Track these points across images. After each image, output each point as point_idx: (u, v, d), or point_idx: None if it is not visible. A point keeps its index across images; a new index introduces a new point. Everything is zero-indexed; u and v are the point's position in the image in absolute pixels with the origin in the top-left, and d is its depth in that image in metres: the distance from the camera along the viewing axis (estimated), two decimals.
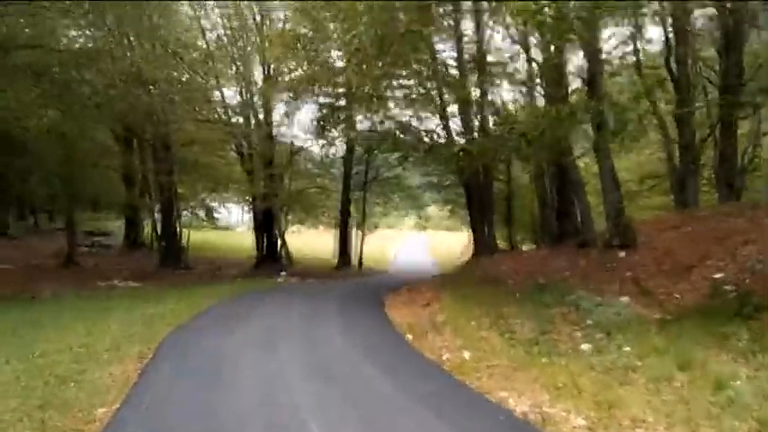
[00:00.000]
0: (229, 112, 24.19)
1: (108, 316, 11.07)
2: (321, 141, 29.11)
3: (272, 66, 24.59)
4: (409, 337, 8.93)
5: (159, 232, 26.63)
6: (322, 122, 22.50)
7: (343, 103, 22.79)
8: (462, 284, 14.26)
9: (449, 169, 24.96)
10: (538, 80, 18.31)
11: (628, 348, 6.95)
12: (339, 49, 18.54)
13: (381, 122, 21.53)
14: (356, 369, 6.99)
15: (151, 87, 17.44)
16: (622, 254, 13.48)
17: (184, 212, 28.08)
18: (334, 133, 23.96)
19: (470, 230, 23.73)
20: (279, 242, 27.47)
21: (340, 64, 19.39)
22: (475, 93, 19.46)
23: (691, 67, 17.11)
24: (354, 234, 32.40)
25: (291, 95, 24.45)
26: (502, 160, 20.10)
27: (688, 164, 18.13)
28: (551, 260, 15.87)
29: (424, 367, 7.19)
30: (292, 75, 21.44)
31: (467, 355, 7.50)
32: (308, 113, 26.62)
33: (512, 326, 8.72)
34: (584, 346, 7.28)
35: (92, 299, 14.44)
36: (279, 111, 26.14)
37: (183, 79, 18.11)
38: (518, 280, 13.51)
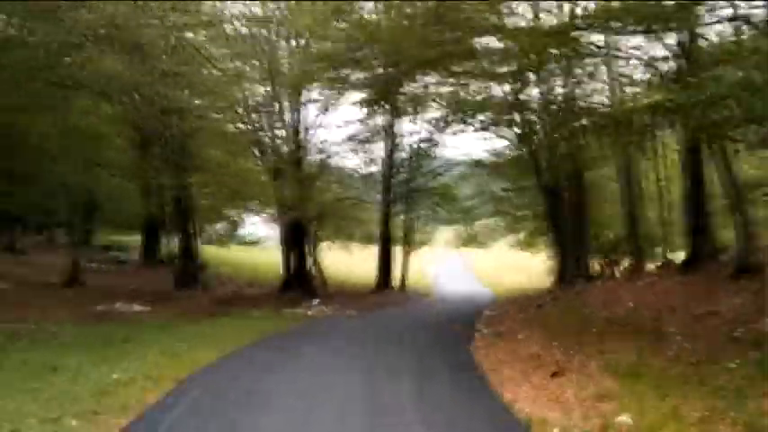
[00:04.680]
0: (249, 101, 20.06)
1: (40, 388, 6.68)
2: (359, 149, 25.24)
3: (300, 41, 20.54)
4: None
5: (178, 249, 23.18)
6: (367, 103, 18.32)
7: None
8: (586, 332, 9.46)
9: (518, 172, 20.25)
10: None
11: None
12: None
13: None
14: None
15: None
16: None
17: (205, 227, 24.29)
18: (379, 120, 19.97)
19: (556, 250, 18.55)
20: (309, 261, 23.06)
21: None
22: None
23: None
24: (394, 252, 27.79)
25: (323, 83, 20.26)
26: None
27: None
28: (702, 294, 11.00)
29: None
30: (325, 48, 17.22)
31: None
32: (340, 119, 23.02)
33: None
34: None
35: (50, 345, 10.03)
36: (309, 114, 22.12)
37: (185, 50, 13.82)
38: (684, 328, 8.69)
